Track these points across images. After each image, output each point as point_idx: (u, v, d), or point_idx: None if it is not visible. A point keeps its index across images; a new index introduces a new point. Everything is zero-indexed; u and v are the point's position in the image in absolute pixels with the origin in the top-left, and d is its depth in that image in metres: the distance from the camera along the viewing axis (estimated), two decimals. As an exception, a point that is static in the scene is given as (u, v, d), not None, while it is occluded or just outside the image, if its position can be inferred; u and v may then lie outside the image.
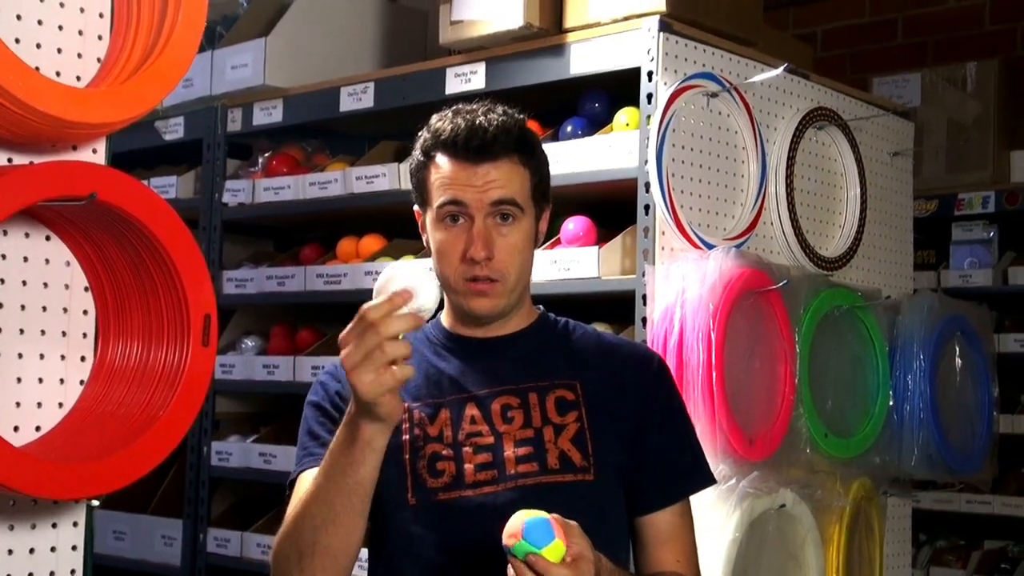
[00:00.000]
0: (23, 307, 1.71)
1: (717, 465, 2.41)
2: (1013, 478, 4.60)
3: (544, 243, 2.87)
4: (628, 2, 2.76)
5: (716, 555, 2.45)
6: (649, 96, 2.66)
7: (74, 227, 1.73)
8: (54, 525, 1.75)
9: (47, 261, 1.74)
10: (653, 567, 1.85)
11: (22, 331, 1.71)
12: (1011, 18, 5.29)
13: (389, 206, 3.30)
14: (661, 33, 2.66)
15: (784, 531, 2.67)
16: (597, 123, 2.97)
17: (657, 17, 2.68)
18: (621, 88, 2.83)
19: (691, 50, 2.73)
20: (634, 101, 2.73)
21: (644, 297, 2.60)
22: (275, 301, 3.56)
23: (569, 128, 3.00)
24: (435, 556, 1.78)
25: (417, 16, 3.92)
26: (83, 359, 1.77)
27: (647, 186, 2.63)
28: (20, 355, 1.71)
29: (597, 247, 2.78)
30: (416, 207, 1.91)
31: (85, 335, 1.77)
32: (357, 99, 3.34)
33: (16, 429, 1.69)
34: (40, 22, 1.72)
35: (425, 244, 1.88)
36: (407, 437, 1.82)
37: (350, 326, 1.57)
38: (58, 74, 1.73)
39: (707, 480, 1.94)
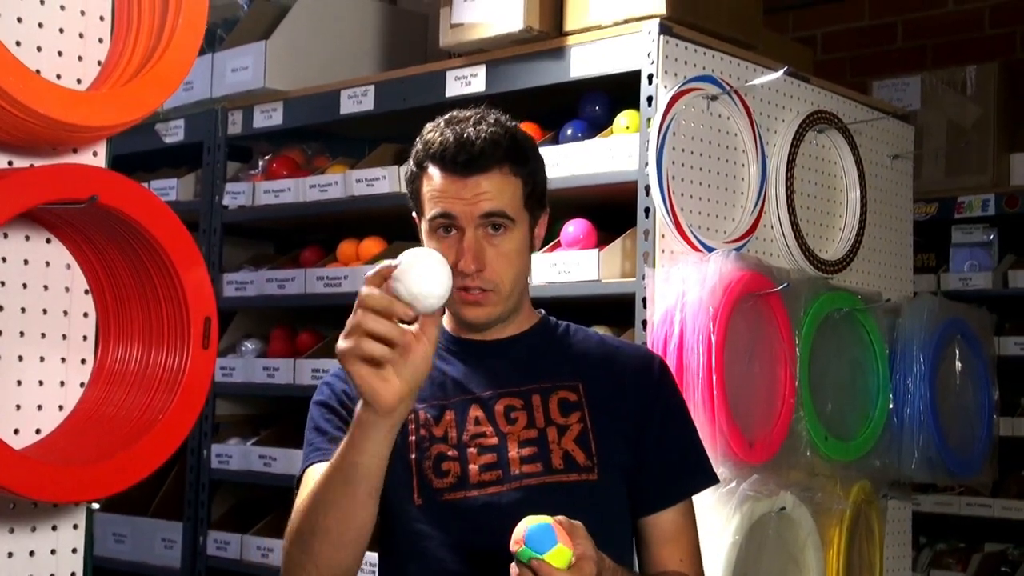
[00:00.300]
0: (23, 310, 1.71)
1: (717, 468, 2.39)
2: (1013, 481, 4.60)
3: (544, 246, 2.87)
4: (628, 5, 2.76)
5: (716, 558, 2.45)
6: (649, 99, 2.66)
7: (75, 230, 1.73)
8: (54, 528, 1.74)
9: (47, 264, 1.74)
10: (657, 567, 1.86)
11: (22, 334, 1.71)
12: (1011, 21, 5.29)
13: (389, 209, 3.30)
14: (661, 36, 2.67)
15: (784, 534, 2.67)
16: (597, 126, 2.97)
17: (657, 20, 2.68)
18: (621, 91, 2.83)
19: (691, 53, 2.73)
20: (634, 104, 2.74)
21: (644, 300, 2.60)
22: (275, 304, 3.56)
23: (569, 131, 3.00)
24: (442, 555, 1.79)
25: (417, 19, 3.92)
26: (83, 362, 1.77)
27: (647, 189, 2.63)
28: (20, 358, 1.71)
29: (597, 250, 2.78)
30: (414, 214, 1.92)
31: (85, 338, 1.77)
32: (357, 102, 3.34)
33: (16, 432, 1.69)
34: (41, 25, 1.72)
35: None
36: (413, 438, 1.83)
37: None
38: (59, 77, 1.73)
39: (710, 480, 1.94)
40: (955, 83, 4.77)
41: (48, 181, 1.57)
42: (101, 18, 1.78)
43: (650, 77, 2.67)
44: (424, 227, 1.85)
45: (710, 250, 2.65)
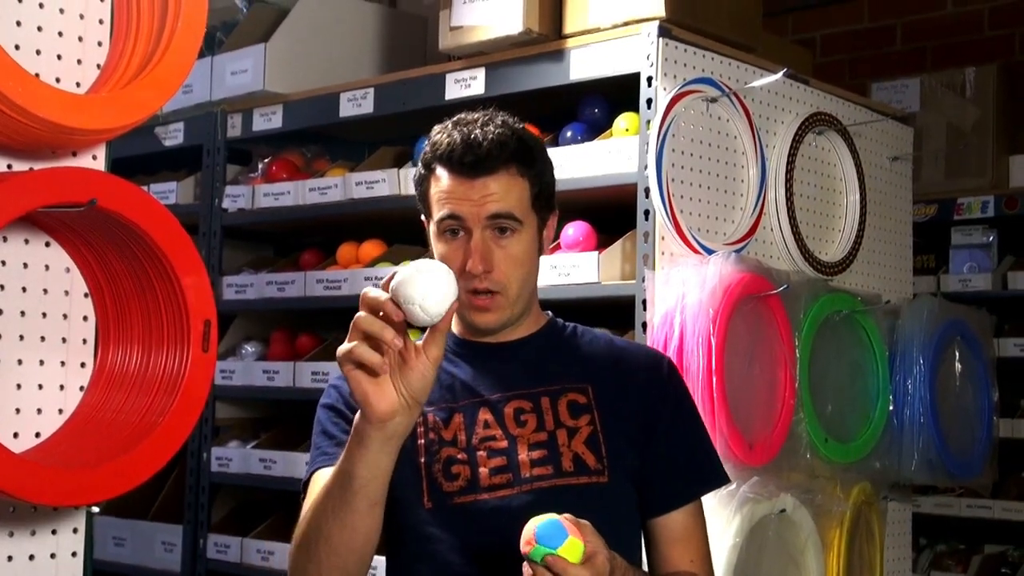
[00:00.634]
0: (23, 313, 1.71)
1: (717, 470, 2.40)
2: (1013, 482, 4.60)
3: (545, 248, 2.87)
4: (628, 7, 2.76)
5: (716, 560, 2.43)
6: (649, 101, 2.66)
7: (74, 233, 1.73)
8: (54, 531, 1.74)
9: (47, 267, 1.74)
10: (667, 568, 1.85)
11: (22, 337, 1.71)
12: (1010, 23, 5.29)
13: (389, 211, 3.30)
14: (661, 38, 2.67)
15: (784, 536, 2.67)
16: (597, 128, 2.97)
17: (657, 22, 2.68)
18: (621, 93, 2.83)
19: (691, 55, 2.73)
20: (634, 106, 2.74)
21: (644, 302, 2.60)
22: (275, 307, 3.56)
23: (569, 133, 3.00)
24: (452, 559, 1.78)
25: (417, 22, 3.92)
26: (83, 365, 1.77)
27: (647, 191, 2.63)
28: (20, 361, 1.71)
29: (597, 252, 2.78)
30: (423, 217, 1.91)
31: (85, 341, 1.77)
32: (357, 105, 3.34)
33: (16, 435, 1.69)
34: (40, 28, 1.72)
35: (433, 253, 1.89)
36: (422, 441, 1.82)
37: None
38: (58, 80, 1.73)
39: (720, 480, 1.94)
40: (954, 85, 4.77)
41: (47, 184, 1.57)
42: (100, 21, 1.78)
43: (649, 79, 2.67)
44: (432, 229, 1.85)
45: (710, 252, 2.65)
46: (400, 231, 3.49)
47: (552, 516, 1.53)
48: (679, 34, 2.71)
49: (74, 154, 1.76)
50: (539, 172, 1.86)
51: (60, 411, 1.74)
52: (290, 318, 3.76)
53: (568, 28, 2.89)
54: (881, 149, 3.30)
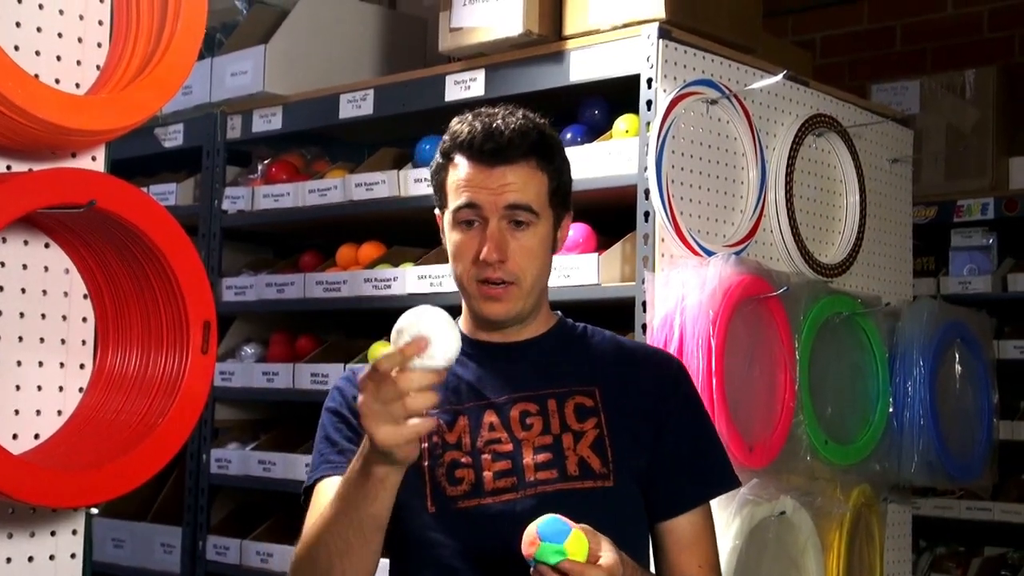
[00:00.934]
0: (22, 314, 1.71)
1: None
2: (1013, 485, 4.59)
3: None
4: (628, 9, 2.76)
5: (716, 562, 2.44)
6: (648, 103, 2.66)
7: (73, 234, 1.72)
8: (53, 533, 1.74)
9: (46, 268, 1.74)
10: (675, 573, 1.84)
11: (21, 338, 1.71)
12: (1009, 25, 5.29)
13: (389, 213, 3.30)
14: (660, 40, 2.67)
15: (784, 538, 2.67)
16: (596, 130, 2.97)
17: (656, 24, 2.68)
18: (620, 95, 2.83)
19: (690, 57, 2.73)
20: (633, 108, 2.74)
21: (644, 304, 2.60)
22: (274, 308, 3.56)
23: (568, 135, 3.00)
24: (455, 564, 1.76)
25: (417, 23, 3.92)
26: (82, 366, 1.77)
27: (647, 193, 2.63)
28: (19, 363, 1.71)
29: (597, 254, 2.78)
30: (436, 210, 1.90)
31: (84, 342, 1.77)
32: (356, 106, 3.34)
33: (15, 437, 1.69)
34: (39, 29, 1.72)
35: (444, 247, 1.87)
36: (426, 444, 1.80)
37: (367, 372, 1.52)
38: (57, 81, 1.73)
39: (729, 483, 1.92)
40: (954, 87, 4.77)
41: (47, 185, 1.57)
42: (100, 22, 1.78)
43: (649, 81, 2.67)
44: (447, 219, 1.83)
45: (710, 254, 2.64)
46: (400, 233, 3.49)
47: (551, 515, 1.53)
48: (679, 36, 2.71)
49: (73, 155, 1.76)
50: (558, 168, 1.85)
51: (59, 412, 1.74)
52: (289, 320, 3.75)
53: (568, 30, 2.89)
54: (881, 151, 3.30)
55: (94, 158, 1.78)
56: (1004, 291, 4.54)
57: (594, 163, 2.78)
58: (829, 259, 3.03)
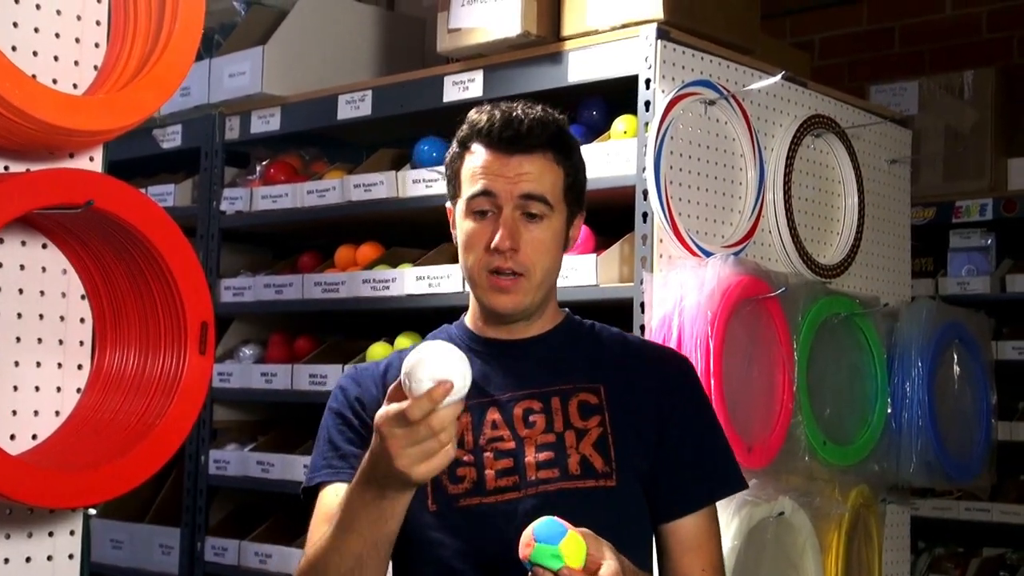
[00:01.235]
0: (20, 315, 1.71)
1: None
2: (1012, 485, 4.59)
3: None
4: (626, 10, 2.76)
5: (715, 563, 2.44)
6: (647, 104, 2.66)
7: (71, 235, 1.72)
8: (51, 534, 1.74)
9: (44, 269, 1.74)
10: (679, 575, 1.82)
11: (19, 339, 1.71)
12: (1008, 26, 5.29)
13: (387, 214, 3.30)
14: (659, 41, 2.67)
15: (783, 539, 2.67)
16: (595, 131, 2.97)
17: (655, 25, 2.68)
18: (619, 96, 2.83)
19: (689, 58, 2.73)
20: (632, 109, 2.74)
21: (642, 305, 2.60)
22: (273, 309, 3.56)
23: (567, 136, 3.00)
24: (455, 563, 1.75)
25: (415, 24, 3.92)
26: (80, 367, 1.77)
27: (645, 194, 2.63)
28: (17, 363, 1.71)
29: (595, 255, 2.78)
30: (448, 204, 1.88)
31: (82, 343, 1.77)
32: (355, 107, 3.34)
33: (13, 437, 1.69)
34: (37, 30, 1.72)
35: (454, 240, 1.86)
36: None
37: (393, 417, 1.50)
38: (55, 81, 1.73)
39: (735, 485, 1.90)
40: (953, 88, 4.77)
41: (44, 186, 1.58)
42: (97, 23, 1.79)
43: (648, 82, 2.67)
44: (460, 209, 1.82)
45: (708, 255, 2.64)
46: (398, 233, 3.50)
47: (547, 516, 1.52)
48: (677, 36, 2.71)
49: (71, 156, 1.76)
50: (574, 166, 1.85)
51: (57, 413, 1.74)
52: (288, 321, 3.75)
53: (566, 30, 2.89)
54: (879, 152, 3.30)
55: (92, 159, 1.78)
56: (1002, 292, 4.54)
57: (592, 164, 2.76)
58: (827, 260, 3.03)
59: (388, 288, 3.21)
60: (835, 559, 2.80)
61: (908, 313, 3.13)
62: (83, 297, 1.77)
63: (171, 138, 3.76)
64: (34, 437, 1.71)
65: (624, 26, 2.77)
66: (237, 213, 3.60)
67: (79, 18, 1.76)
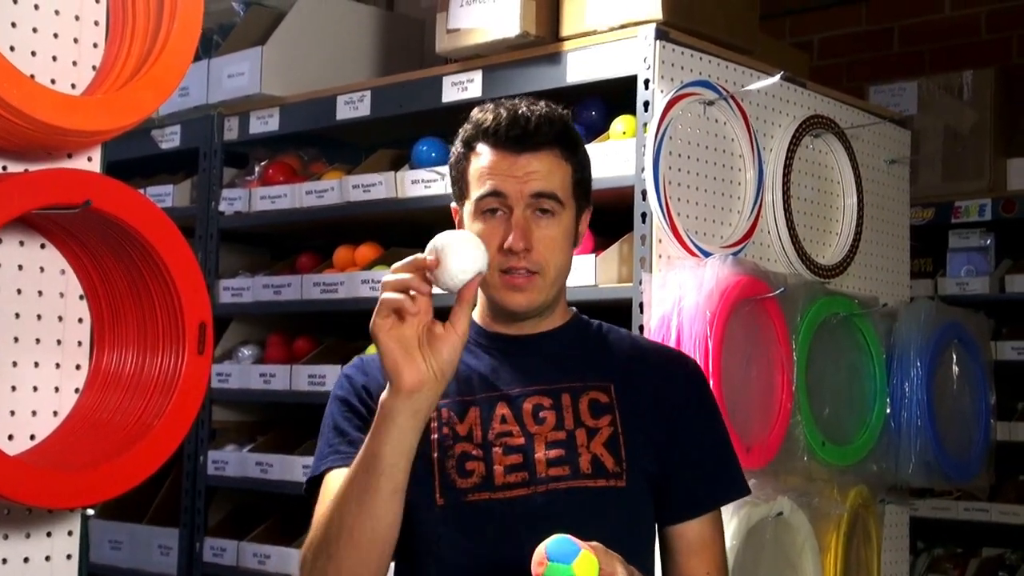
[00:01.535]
0: (18, 315, 1.71)
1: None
2: (1011, 486, 4.59)
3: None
4: (625, 10, 2.76)
5: (713, 563, 2.44)
6: (646, 104, 2.66)
7: (69, 235, 1.72)
8: (49, 534, 1.74)
9: (42, 269, 1.74)
10: None
11: (17, 339, 1.71)
12: (1007, 27, 5.29)
13: (386, 214, 3.30)
14: (658, 41, 2.67)
15: (781, 539, 2.67)
16: (594, 131, 2.97)
17: (654, 25, 2.68)
18: (618, 96, 2.83)
19: (688, 58, 2.73)
20: (631, 109, 2.74)
21: (641, 305, 2.60)
22: (272, 310, 3.56)
23: (566, 136, 3.00)
24: (462, 559, 1.73)
25: (414, 24, 3.92)
26: (78, 367, 1.76)
27: (644, 194, 2.63)
28: (15, 363, 1.70)
29: (594, 255, 2.78)
30: (454, 204, 1.87)
31: (80, 343, 1.77)
32: (354, 107, 3.34)
33: (11, 437, 1.69)
34: (35, 30, 1.72)
35: None
36: (436, 436, 1.76)
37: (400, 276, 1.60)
38: (53, 82, 1.73)
39: (740, 490, 1.90)
40: (952, 88, 4.77)
41: (42, 186, 1.57)
42: (96, 23, 1.78)
43: (646, 82, 2.67)
44: (468, 209, 1.80)
45: (707, 255, 2.64)
46: (397, 234, 3.49)
47: (560, 534, 1.50)
48: (676, 37, 2.71)
49: (69, 156, 1.76)
50: (581, 161, 1.84)
51: (55, 413, 1.74)
52: (287, 321, 3.75)
53: (565, 31, 2.89)
54: (878, 152, 3.30)
55: (90, 159, 1.78)
56: (1001, 292, 4.54)
57: (591, 164, 2.78)
58: (826, 260, 3.03)
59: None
60: (834, 559, 2.80)
61: (907, 313, 3.13)
62: (81, 297, 1.77)
63: (170, 138, 3.76)
64: (32, 437, 1.71)
65: (623, 26, 2.77)
66: (236, 213, 3.60)
67: (77, 18, 1.76)
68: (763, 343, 2.65)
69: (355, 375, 1.85)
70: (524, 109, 1.79)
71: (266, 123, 3.56)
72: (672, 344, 2.50)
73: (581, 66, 2.84)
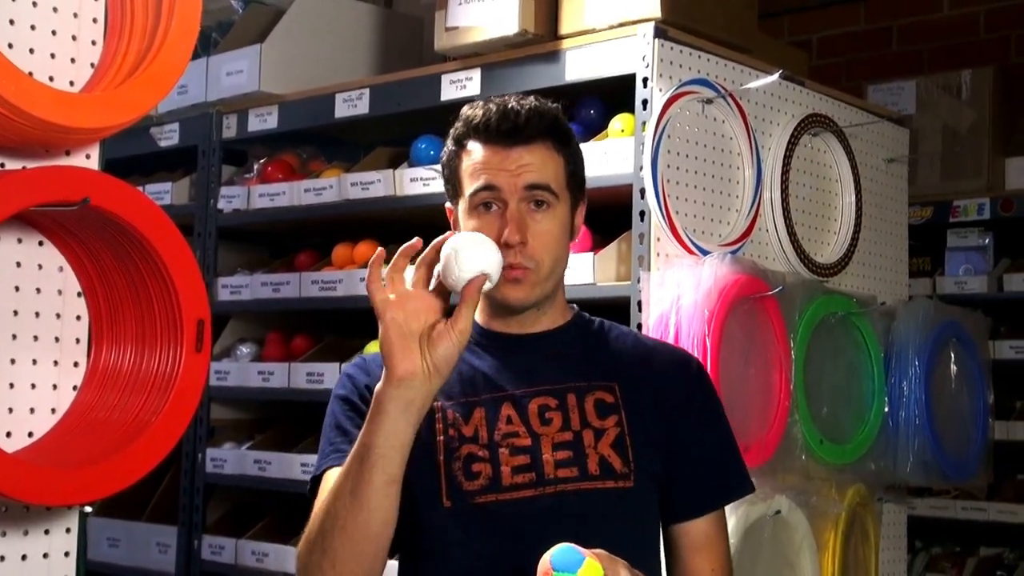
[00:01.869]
0: (16, 312, 1.71)
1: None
2: (1009, 485, 4.60)
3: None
4: (623, 8, 2.76)
5: (711, 562, 2.44)
6: (644, 102, 2.66)
7: (67, 232, 1.72)
8: (47, 531, 1.74)
9: (40, 266, 1.74)
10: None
11: (15, 336, 1.71)
12: (1006, 26, 5.30)
13: (384, 212, 3.30)
14: (656, 39, 2.67)
15: (780, 538, 2.67)
16: (592, 129, 2.97)
17: (652, 23, 2.68)
18: (616, 94, 2.83)
19: (686, 56, 2.73)
20: (629, 107, 2.74)
21: (639, 303, 2.60)
22: (270, 308, 3.56)
23: (564, 134, 3.00)
24: (470, 562, 1.72)
25: (412, 22, 3.92)
26: (76, 365, 1.76)
27: (642, 192, 2.63)
28: (13, 360, 1.70)
29: (592, 253, 2.78)
30: (448, 204, 1.86)
31: (78, 341, 1.77)
32: (352, 105, 3.34)
33: (9, 435, 1.69)
34: (33, 27, 1.72)
35: None
36: (441, 438, 1.75)
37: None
38: (51, 79, 1.73)
39: (745, 488, 1.89)
40: (950, 87, 4.77)
41: (40, 183, 1.57)
42: (94, 20, 1.78)
43: (645, 80, 2.67)
44: (462, 207, 1.80)
45: (705, 253, 2.64)
46: (395, 232, 3.49)
47: (564, 544, 1.49)
48: (675, 35, 2.71)
49: (67, 153, 1.76)
50: (573, 153, 1.84)
51: (53, 410, 1.74)
52: (285, 319, 3.75)
53: (564, 29, 2.89)
54: (877, 151, 3.30)
55: (88, 156, 1.78)
56: (1000, 291, 4.54)
57: (590, 162, 2.74)
58: (825, 259, 3.03)
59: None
60: (832, 558, 2.80)
61: (905, 312, 3.13)
62: (79, 295, 1.77)
63: (168, 136, 3.76)
64: (30, 435, 1.71)
65: (622, 25, 2.77)
66: (234, 211, 3.60)
67: (76, 15, 1.76)
68: (761, 342, 2.65)
69: (357, 374, 1.84)
70: (514, 103, 1.78)
71: (265, 121, 3.56)
72: (670, 342, 2.50)
73: (580, 64, 2.84)
